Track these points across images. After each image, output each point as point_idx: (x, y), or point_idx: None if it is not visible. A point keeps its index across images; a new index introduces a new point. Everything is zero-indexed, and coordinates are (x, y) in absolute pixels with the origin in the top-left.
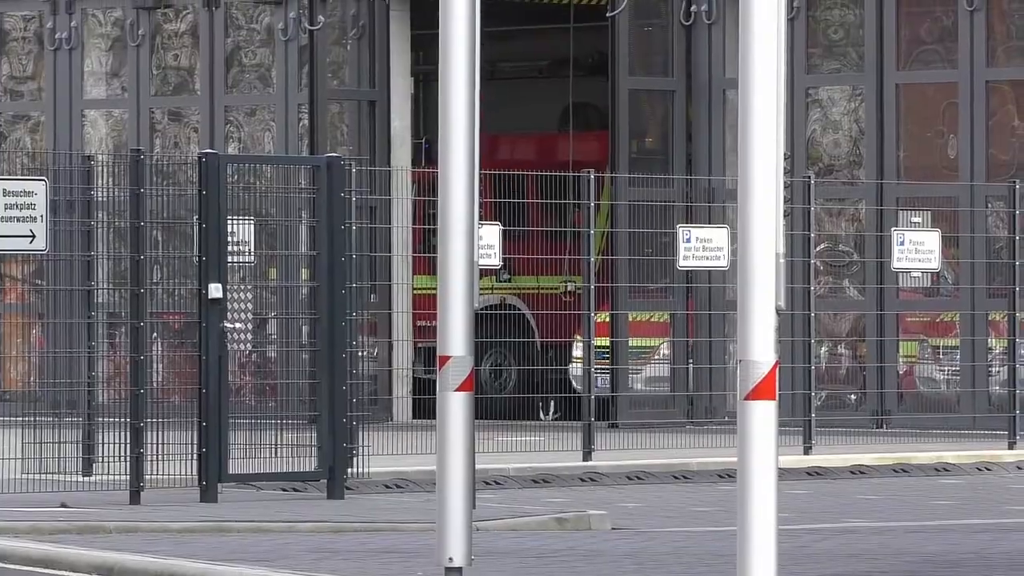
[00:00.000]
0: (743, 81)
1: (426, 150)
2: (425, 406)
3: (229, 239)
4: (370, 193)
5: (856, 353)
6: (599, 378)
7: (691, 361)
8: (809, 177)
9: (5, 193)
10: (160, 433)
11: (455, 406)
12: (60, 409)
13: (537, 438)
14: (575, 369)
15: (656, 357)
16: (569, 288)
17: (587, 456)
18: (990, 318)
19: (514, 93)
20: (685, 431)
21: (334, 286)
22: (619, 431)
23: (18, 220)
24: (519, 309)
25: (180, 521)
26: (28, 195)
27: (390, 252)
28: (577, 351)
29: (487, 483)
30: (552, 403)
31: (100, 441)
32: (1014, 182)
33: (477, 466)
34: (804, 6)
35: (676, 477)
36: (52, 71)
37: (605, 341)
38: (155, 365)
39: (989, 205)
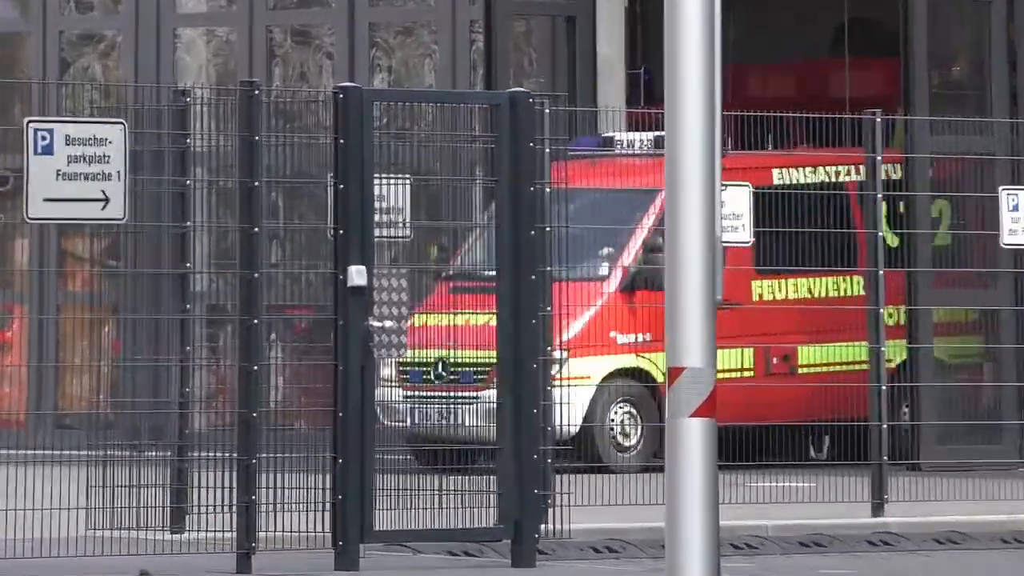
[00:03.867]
0: None
1: (646, 83)
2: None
3: (376, 206)
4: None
5: None
6: (416, 411)
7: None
8: None
9: (69, 141)
10: (278, 474)
11: (691, 437)
12: (140, 439)
13: (807, 485)
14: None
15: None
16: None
17: (878, 510)
18: None
19: (768, 9)
20: (1017, 475)
21: (520, 270)
22: (922, 475)
23: (86, 178)
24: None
25: None
26: (100, 144)
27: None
28: (385, 370)
29: (736, 547)
30: (827, 436)
31: (195, 484)
32: None
33: (722, 522)
34: None
35: (1005, 541)
36: None
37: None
38: (273, 379)
39: None
